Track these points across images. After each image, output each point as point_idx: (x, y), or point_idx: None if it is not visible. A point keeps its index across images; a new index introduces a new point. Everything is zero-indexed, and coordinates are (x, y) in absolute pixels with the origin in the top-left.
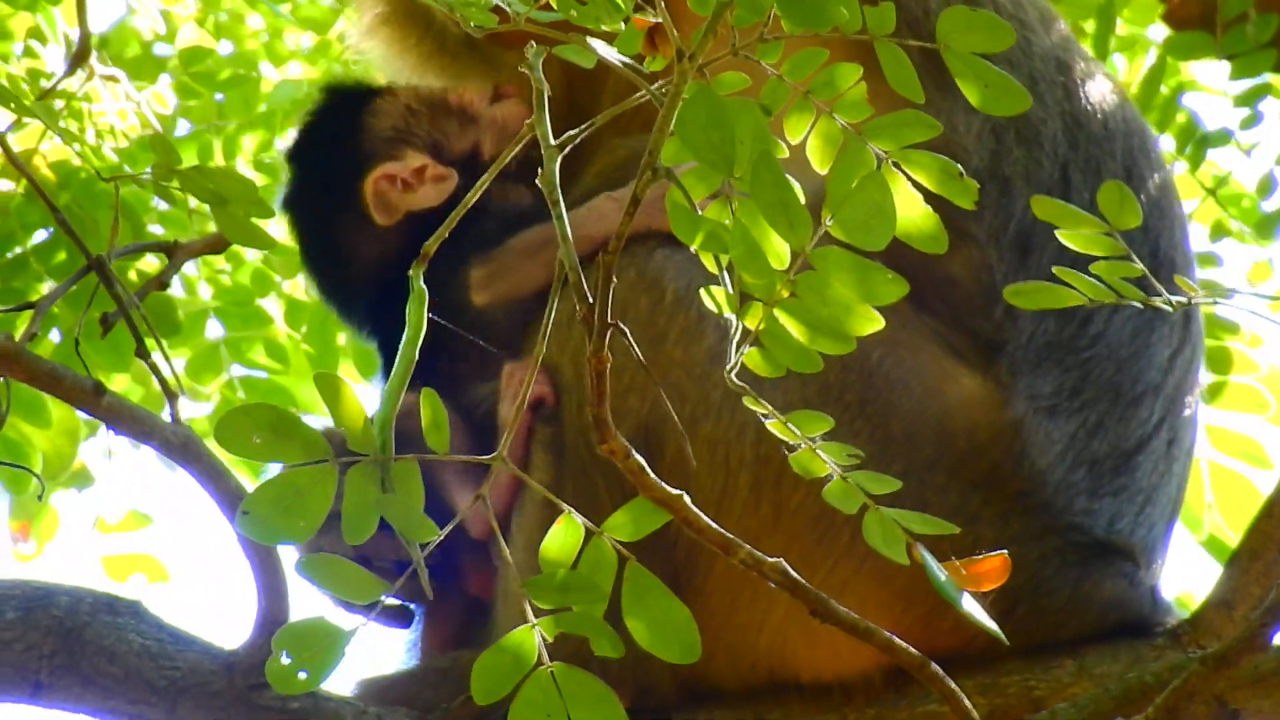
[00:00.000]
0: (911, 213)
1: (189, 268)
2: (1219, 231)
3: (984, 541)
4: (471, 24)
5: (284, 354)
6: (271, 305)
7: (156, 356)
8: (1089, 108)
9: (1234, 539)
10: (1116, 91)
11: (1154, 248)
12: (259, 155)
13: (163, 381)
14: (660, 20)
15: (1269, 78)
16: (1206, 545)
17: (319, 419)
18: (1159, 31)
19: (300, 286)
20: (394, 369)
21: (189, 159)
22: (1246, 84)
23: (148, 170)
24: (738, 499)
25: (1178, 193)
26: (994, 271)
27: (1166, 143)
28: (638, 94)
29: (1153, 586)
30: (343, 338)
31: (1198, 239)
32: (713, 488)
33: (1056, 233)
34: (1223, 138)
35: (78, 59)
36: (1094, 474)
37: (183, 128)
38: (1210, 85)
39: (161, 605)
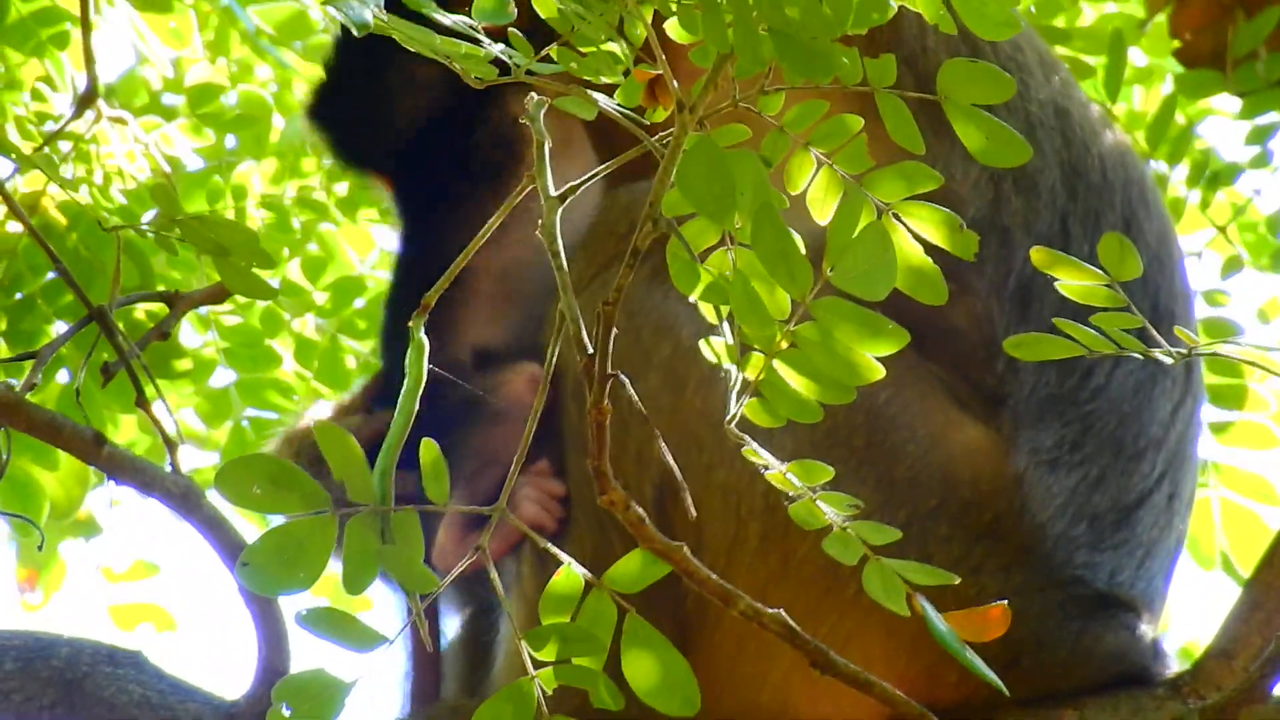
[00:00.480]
0: (912, 263)
1: (201, 311)
2: (1231, 266)
3: (988, 594)
4: (473, 76)
5: (294, 394)
6: (280, 344)
7: (158, 406)
8: (1088, 156)
9: (1246, 574)
10: (1117, 138)
11: (1154, 301)
12: (268, 194)
13: (163, 432)
14: (661, 72)
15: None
16: (1225, 567)
17: None
18: (1175, 62)
19: (309, 324)
20: (394, 420)
21: (198, 200)
22: (1258, 122)
23: (148, 218)
24: (748, 548)
25: (1179, 246)
26: (995, 323)
27: (1179, 172)
28: (639, 145)
29: (1154, 638)
30: (351, 360)
31: (1209, 273)
32: (725, 536)
33: (1056, 284)
34: (1232, 172)
35: (85, 101)
36: (1095, 528)
37: (193, 163)
38: (1229, 110)
39: (169, 654)
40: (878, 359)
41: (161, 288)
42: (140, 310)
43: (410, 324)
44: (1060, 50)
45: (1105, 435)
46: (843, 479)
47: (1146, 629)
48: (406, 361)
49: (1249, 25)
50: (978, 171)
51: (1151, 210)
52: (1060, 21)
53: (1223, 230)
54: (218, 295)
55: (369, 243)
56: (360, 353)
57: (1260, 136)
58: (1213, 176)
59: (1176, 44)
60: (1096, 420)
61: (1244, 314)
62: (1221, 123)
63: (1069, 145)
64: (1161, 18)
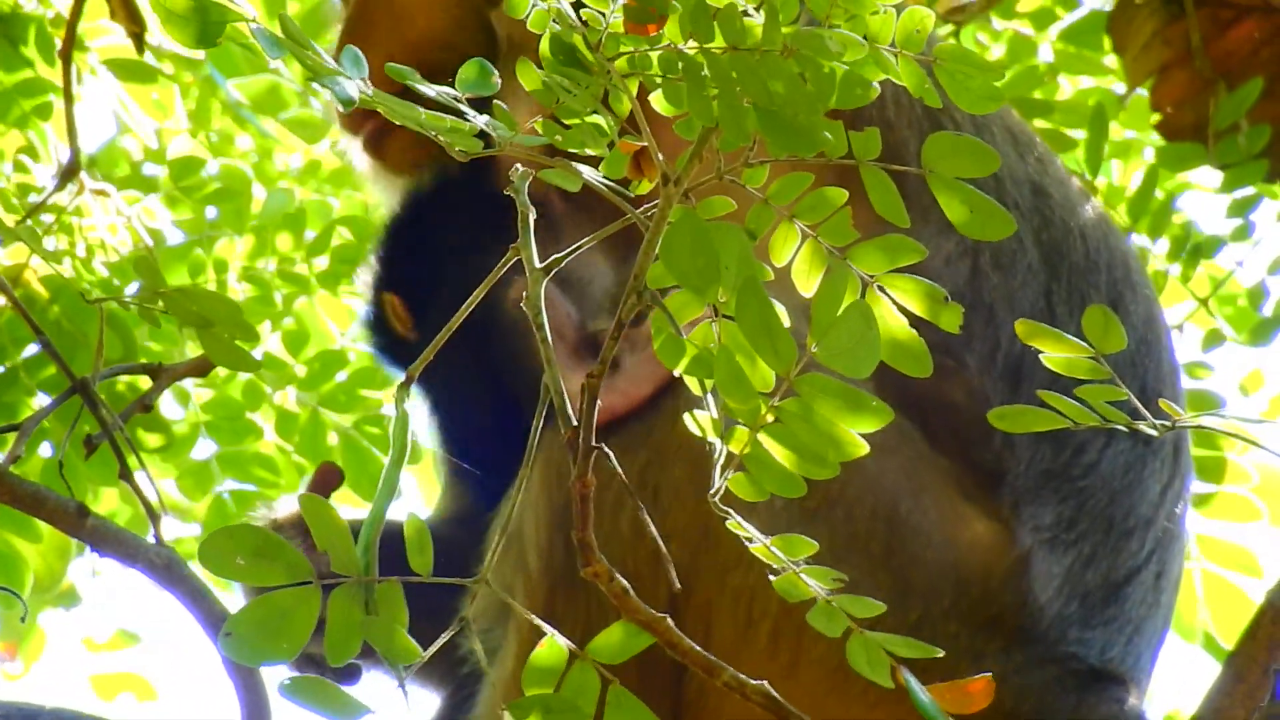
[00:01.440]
0: (896, 336)
1: (182, 383)
2: (1212, 339)
3: (991, 672)
4: (457, 149)
5: (275, 467)
6: (261, 418)
7: (141, 477)
8: (1070, 236)
9: (1227, 648)
10: (1099, 215)
11: (1142, 383)
12: (249, 267)
13: (146, 503)
14: (646, 144)
15: (1256, 189)
16: (1206, 645)
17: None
18: (1154, 136)
19: (290, 398)
20: (378, 493)
21: (179, 273)
22: (1238, 194)
23: (131, 290)
24: (756, 647)
25: (1165, 323)
26: (990, 400)
27: (1161, 246)
28: (623, 218)
29: (1141, 712)
30: (333, 436)
31: (1191, 346)
32: (734, 636)
33: (1041, 356)
34: (1214, 244)
35: (68, 173)
36: (1085, 605)
37: (174, 236)
38: (1208, 184)
39: None
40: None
41: (144, 360)
42: (121, 382)
43: (394, 396)
44: (1040, 123)
45: (1098, 513)
46: (860, 584)
47: (1134, 703)
48: (391, 433)
49: (1231, 98)
50: (951, 246)
51: (1137, 291)
52: (1038, 94)
53: (1204, 303)
54: (201, 368)
55: (349, 316)
56: (342, 426)
57: (1242, 209)
58: (1194, 249)
59: (1157, 118)
60: (1090, 497)
61: (1226, 387)
62: (1200, 196)
63: (1048, 225)
64: (1142, 91)
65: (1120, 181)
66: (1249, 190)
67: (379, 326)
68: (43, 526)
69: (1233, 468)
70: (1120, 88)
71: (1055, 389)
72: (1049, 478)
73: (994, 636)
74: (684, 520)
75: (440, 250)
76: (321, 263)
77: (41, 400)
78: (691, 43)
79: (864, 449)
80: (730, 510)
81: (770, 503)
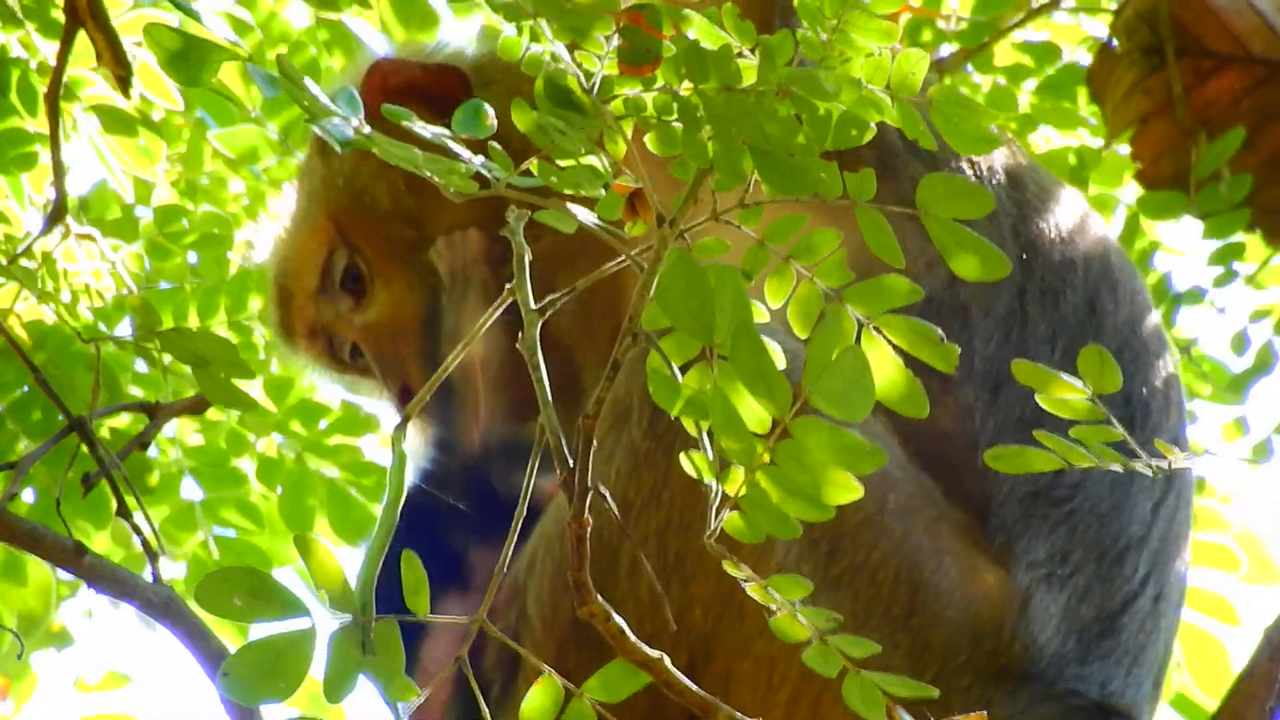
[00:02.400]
0: (892, 377)
1: (166, 428)
2: (1190, 393)
3: (995, 717)
4: (452, 189)
5: (258, 514)
6: (246, 464)
7: (138, 516)
8: (1044, 228)
9: (1201, 697)
10: (1079, 211)
11: (1127, 392)
12: (234, 316)
13: (144, 542)
14: (641, 185)
15: (1242, 237)
16: (1174, 704)
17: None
18: (1129, 193)
19: (274, 444)
20: (375, 532)
21: (165, 319)
22: (1220, 243)
23: (127, 330)
24: (775, 713)
25: (1153, 324)
26: (973, 413)
27: None
28: (619, 259)
29: None
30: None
31: None
32: (753, 703)
33: (1037, 397)
34: (1195, 296)
35: (54, 217)
36: (1082, 641)
37: (158, 283)
38: (1178, 248)
39: None
40: (906, 500)
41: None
42: (107, 427)
43: (391, 437)
44: None
45: (1089, 539)
46: (880, 645)
47: None
48: (389, 475)
49: (1212, 147)
50: (934, 251)
51: (1119, 290)
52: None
53: (1185, 351)
54: (197, 406)
55: None
56: (326, 474)
57: (1225, 257)
58: (1175, 299)
59: (1132, 173)
60: (1079, 523)
61: (1206, 439)
62: (1170, 259)
63: (1024, 219)
64: (1121, 149)
65: None
66: (1231, 239)
67: None
68: (28, 568)
69: (1212, 516)
70: (1098, 142)
71: (1038, 406)
72: (1035, 501)
73: (1002, 683)
74: (708, 588)
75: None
76: None
77: (29, 444)
78: (686, 84)
79: (859, 492)
80: (726, 550)
81: (798, 567)
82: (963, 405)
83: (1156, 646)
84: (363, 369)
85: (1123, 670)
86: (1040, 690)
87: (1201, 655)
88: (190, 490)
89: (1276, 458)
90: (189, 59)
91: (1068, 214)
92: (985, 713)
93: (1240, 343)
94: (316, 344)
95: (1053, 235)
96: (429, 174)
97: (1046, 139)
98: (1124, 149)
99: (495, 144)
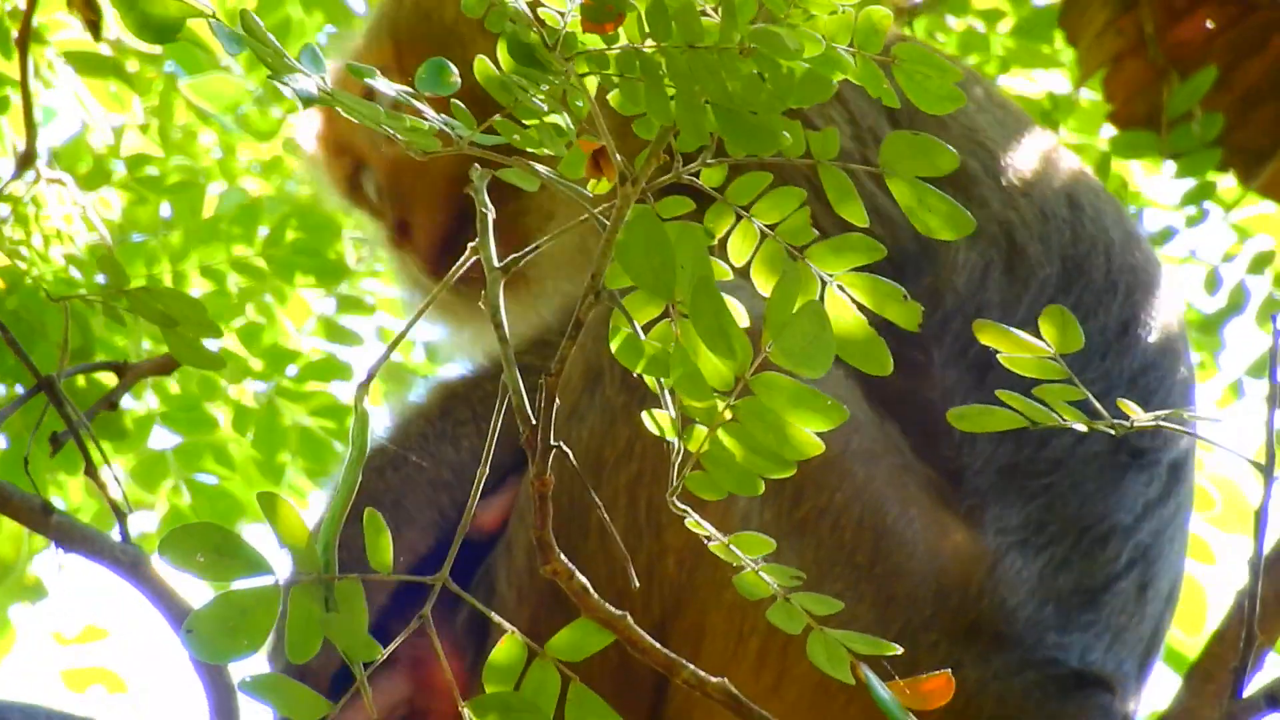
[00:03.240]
0: (855, 336)
1: None
2: None
3: (969, 682)
4: (416, 148)
5: (231, 459)
6: (218, 410)
7: (106, 473)
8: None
9: (1182, 638)
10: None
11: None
12: (205, 263)
13: (112, 502)
14: (604, 144)
15: (1214, 176)
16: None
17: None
18: (1101, 142)
19: (246, 392)
20: (337, 491)
21: (137, 267)
22: (1192, 183)
23: (97, 287)
24: (744, 663)
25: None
26: (955, 397)
27: None
28: (581, 217)
29: (1128, 715)
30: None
31: None
32: (725, 652)
33: (999, 356)
34: (1166, 235)
35: (24, 161)
36: (1061, 610)
37: (131, 231)
38: (1153, 198)
39: (121, 717)
40: (869, 444)
41: (101, 354)
42: (81, 378)
43: (354, 398)
44: None
45: (1068, 516)
46: (844, 596)
47: (1120, 705)
48: (351, 432)
49: (1185, 87)
50: (977, 257)
51: (1150, 303)
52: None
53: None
54: (166, 366)
55: (306, 311)
56: (298, 420)
57: (1197, 197)
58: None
59: (1105, 118)
60: (1058, 498)
61: None
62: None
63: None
64: (1090, 94)
65: None
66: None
67: None
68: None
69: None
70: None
71: (1022, 387)
72: (1012, 474)
73: (972, 644)
74: (680, 538)
75: None
76: (277, 256)
77: (3, 389)
78: (649, 42)
79: (820, 448)
80: (688, 509)
81: (761, 513)
82: (946, 385)
83: (1142, 630)
84: (373, 204)
85: (1103, 644)
86: (1018, 657)
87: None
88: (162, 439)
89: (1249, 399)
90: (152, 16)
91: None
92: (950, 671)
93: (1212, 282)
94: (342, 163)
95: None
96: (390, 131)
97: (1029, 78)
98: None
99: (458, 101)
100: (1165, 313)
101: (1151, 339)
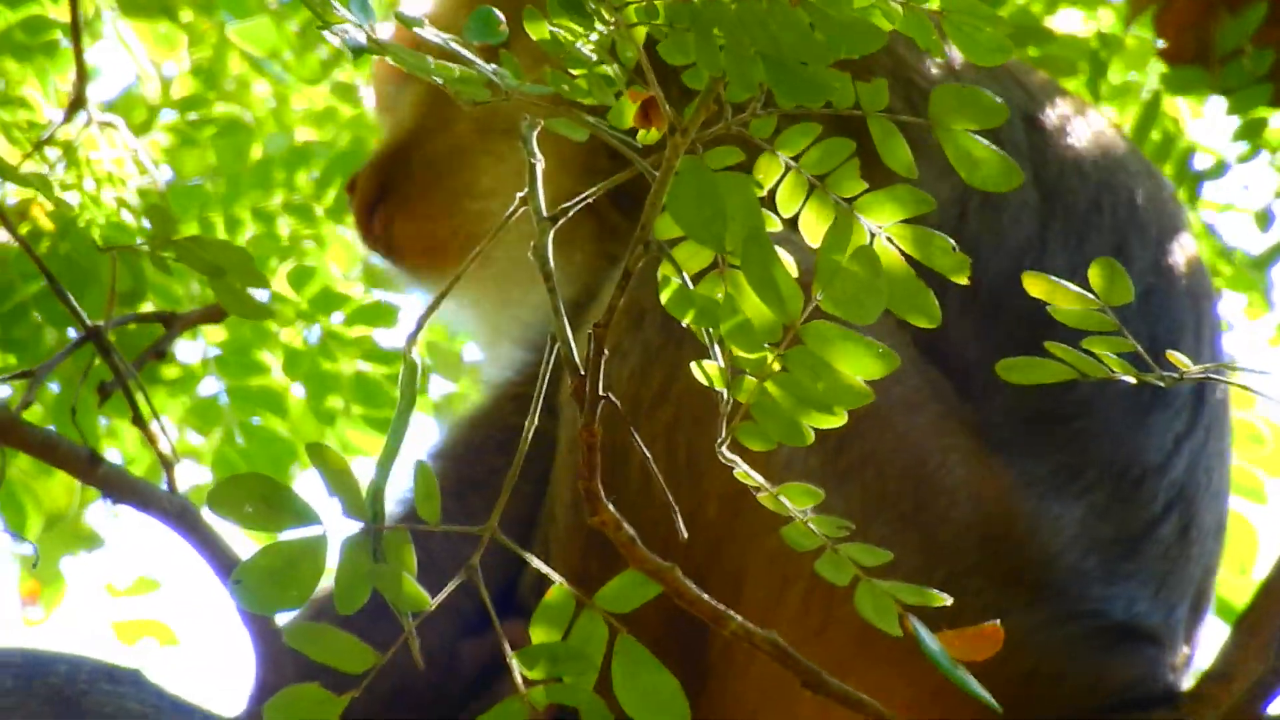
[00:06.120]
0: (904, 287)
1: None
2: (1213, 271)
3: (1013, 632)
4: (464, 98)
5: (282, 404)
6: (269, 353)
7: (155, 425)
8: (1066, 172)
9: (1231, 581)
10: (1107, 152)
11: (1152, 331)
12: (256, 204)
13: (159, 452)
14: (654, 94)
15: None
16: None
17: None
18: (1150, 80)
19: (299, 334)
20: (387, 439)
21: (189, 211)
22: (1243, 120)
23: (143, 240)
24: (789, 608)
25: (1192, 271)
26: (968, 342)
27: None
28: (630, 168)
29: (1174, 665)
30: (345, 367)
31: None
32: (768, 597)
33: (1048, 309)
34: (1218, 169)
35: (75, 105)
36: (1104, 560)
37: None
38: (1200, 142)
39: (172, 670)
40: (913, 394)
41: (153, 298)
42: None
43: (403, 347)
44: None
45: (1103, 460)
46: (889, 542)
47: (1168, 657)
48: (400, 381)
49: (1235, 22)
50: (948, 190)
51: (1147, 235)
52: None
53: (1209, 230)
54: (213, 315)
55: (355, 256)
56: (348, 366)
57: (1249, 132)
58: (1196, 176)
59: (1155, 58)
60: (1091, 441)
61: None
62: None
63: (1045, 164)
64: (1136, 29)
65: (1117, 124)
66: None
67: None
68: None
69: (1236, 392)
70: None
71: (1034, 329)
72: (1042, 419)
73: (1017, 592)
74: (722, 484)
75: None
76: (328, 199)
77: (52, 336)
78: None
79: (870, 396)
80: (737, 459)
81: (805, 462)
82: (962, 329)
83: (1190, 572)
84: None
85: (1148, 593)
86: (1063, 608)
87: (1230, 534)
88: (214, 386)
89: None
90: None
91: (1094, 157)
92: (998, 621)
93: (1264, 219)
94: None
95: (1073, 178)
96: (438, 80)
97: (1088, 12)
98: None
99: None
100: (1165, 230)
101: (1149, 260)
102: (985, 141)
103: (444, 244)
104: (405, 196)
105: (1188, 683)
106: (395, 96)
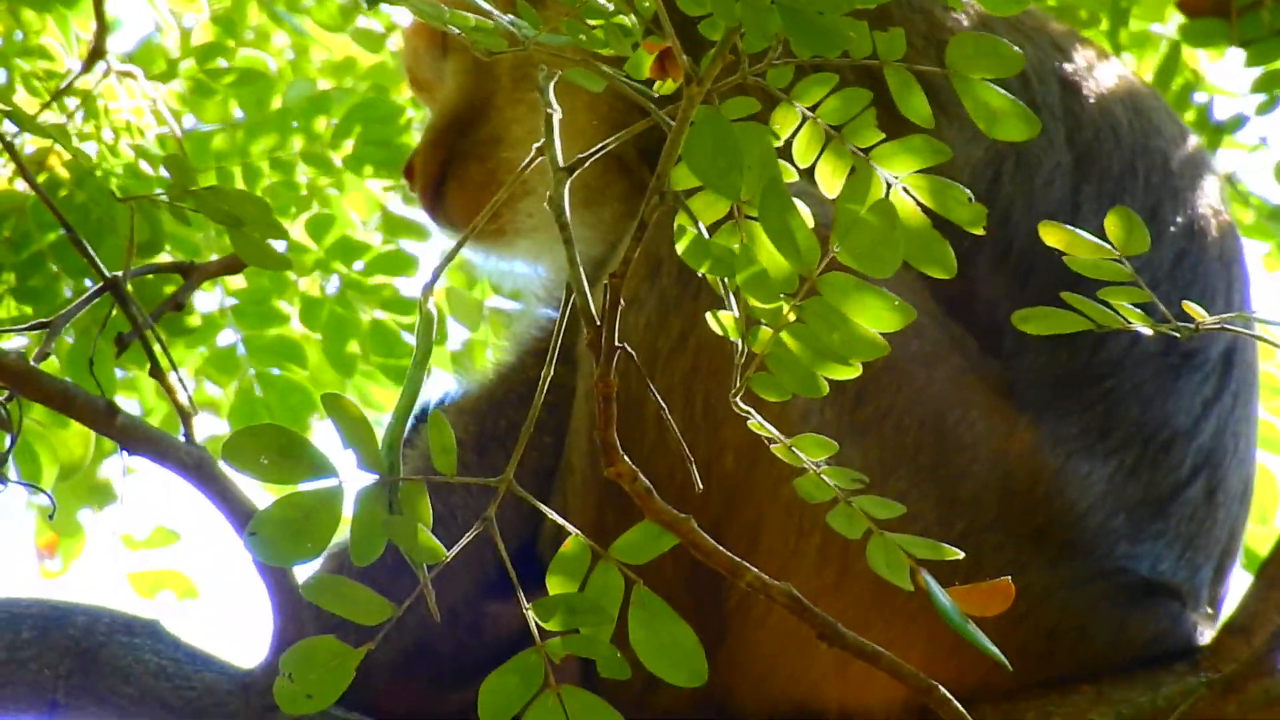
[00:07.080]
0: (920, 237)
1: None
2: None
3: (1034, 589)
4: (481, 47)
5: (300, 353)
6: (287, 302)
7: (172, 376)
8: (1100, 136)
9: (1255, 531)
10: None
11: (1184, 297)
12: (274, 153)
13: (176, 403)
14: (670, 45)
15: None
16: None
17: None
18: (1168, 29)
19: (316, 283)
20: (402, 390)
21: (206, 160)
22: (1260, 70)
23: (161, 190)
24: (806, 560)
25: (1224, 233)
26: (998, 302)
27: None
28: (646, 118)
29: (1196, 622)
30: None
31: None
32: (784, 549)
33: (1064, 258)
34: (1236, 123)
35: (94, 55)
36: (1132, 520)
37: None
38: (1218, 85)
39: (190, 622)
40: (932, 347)
41: (170, 247)
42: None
43: (419, 297)
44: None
45: (1131, 422)
46: (908, 496)
47: (1191, 615)
48: (416, 333)
49: None
50: (981, 153)
51: (1180, 199)
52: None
53: (1229, 180)
54: (232, 266)
55: (374, 204)
56: (365, 314)
57: (1268, 84)
58: (1216, 128)
59: (1172, 6)
60: (1120, 402)
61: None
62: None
63: (1080, 126)
64: None
65: (1136, 74)
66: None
67: None
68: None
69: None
70: None
71: (1065, 290)
72: (1071, 380)
73: (1039, 549)
74: (738, 435)
75: None
76: (346, 148)
77: (68, 286)
78: None
79: (886, 348)
80: (751, 410)
81: (822, 414)
82: (985, 291)
83: (1216, 534)
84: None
85: (1174, 553)
86: (1088, 567)
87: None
88: (232, 336)
89: None
90: None
91: (1127, 120)
92: (1009, 577)
93: None
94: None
95: (1109, 142)
96: (455, 30)
97: None
98: None
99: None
100: (1198, 195)
101: (1183, 225)
102: (1003, 91)
103: (510, 208)
104: (466, 170)
105: (1208, 638)
106: (434, 72)
